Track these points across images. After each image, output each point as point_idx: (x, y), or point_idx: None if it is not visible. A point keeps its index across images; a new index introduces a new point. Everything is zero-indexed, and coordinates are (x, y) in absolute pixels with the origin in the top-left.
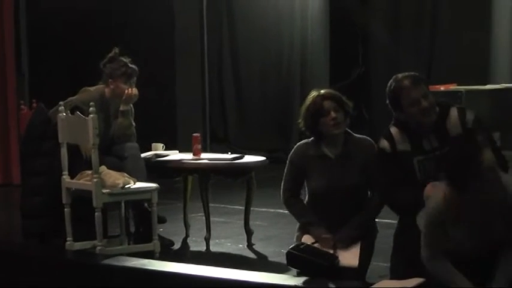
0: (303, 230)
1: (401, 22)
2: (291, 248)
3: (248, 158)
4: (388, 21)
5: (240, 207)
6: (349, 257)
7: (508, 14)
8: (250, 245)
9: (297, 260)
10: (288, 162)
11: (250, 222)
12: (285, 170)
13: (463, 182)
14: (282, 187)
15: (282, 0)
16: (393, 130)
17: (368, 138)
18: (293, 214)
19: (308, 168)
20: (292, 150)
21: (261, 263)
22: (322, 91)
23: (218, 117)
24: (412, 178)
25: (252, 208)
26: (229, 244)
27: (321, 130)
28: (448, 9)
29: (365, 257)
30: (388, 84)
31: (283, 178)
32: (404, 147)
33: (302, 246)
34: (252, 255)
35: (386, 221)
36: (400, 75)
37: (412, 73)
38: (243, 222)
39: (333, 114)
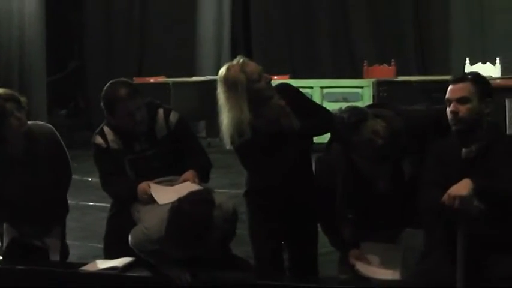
0: None
1: (115, 17)
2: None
3: None
4: (102, 17)
5: None
6: None
7: (212, 10)
8: None
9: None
10: None
11: None
12: None
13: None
14: None
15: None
16: (106, 129)
17: (47, 125)
18: None
19: None
20: None
21: None
22: None
23: None
24: (125, 172)
25: None
26: None
27: (3, 133)
28: (157, 5)
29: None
30: (105, 88)
31: None
32: (116, 146)
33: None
34: None
35: (101, 204)
36: (117, 83)
37: (129, 82)
38: None
39: (17, 114)
